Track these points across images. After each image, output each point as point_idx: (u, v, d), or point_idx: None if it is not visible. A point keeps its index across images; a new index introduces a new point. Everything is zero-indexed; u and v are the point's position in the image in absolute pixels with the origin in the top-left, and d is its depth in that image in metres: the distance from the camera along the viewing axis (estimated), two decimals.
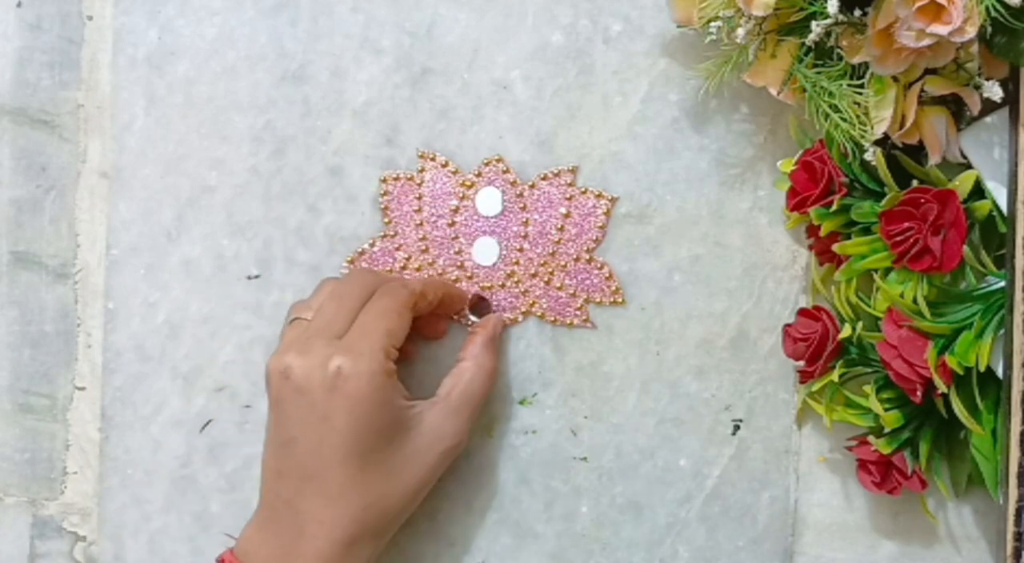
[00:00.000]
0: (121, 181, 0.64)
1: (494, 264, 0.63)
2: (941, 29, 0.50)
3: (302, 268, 0.64)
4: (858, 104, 0.54)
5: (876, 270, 0.57)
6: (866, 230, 0.57)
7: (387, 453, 0.56)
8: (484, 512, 0.64)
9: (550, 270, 0.63)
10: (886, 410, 0.57)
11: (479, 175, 0.63)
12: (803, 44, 0.55)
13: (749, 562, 0.63)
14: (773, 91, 0.58)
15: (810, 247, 0.61)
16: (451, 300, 0.62)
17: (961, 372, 0.55)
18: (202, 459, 0.64)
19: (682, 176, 0.63)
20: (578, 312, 0.63)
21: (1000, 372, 0.56)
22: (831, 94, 0.54)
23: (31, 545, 0.65)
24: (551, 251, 0.63)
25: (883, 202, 0.56)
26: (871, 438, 0.58)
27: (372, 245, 0.64)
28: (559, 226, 0.63)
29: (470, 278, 0.63)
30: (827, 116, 0.55)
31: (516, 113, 0.63)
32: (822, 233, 0.58)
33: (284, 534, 0.55)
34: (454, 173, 0.63)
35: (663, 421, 0.63)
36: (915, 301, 0.56)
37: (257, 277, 0.64)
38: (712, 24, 0.57)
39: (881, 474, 0.59)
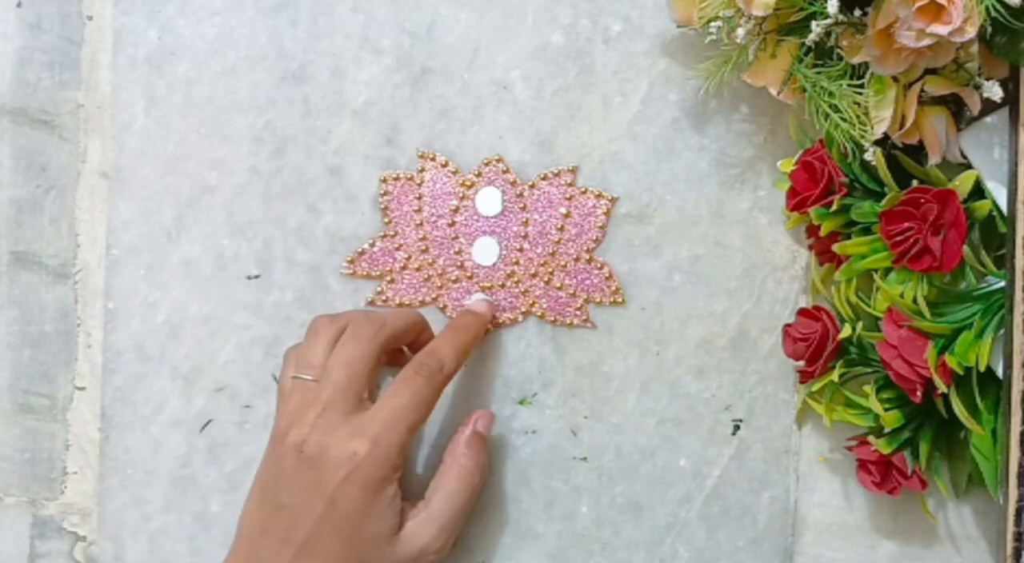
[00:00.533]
0: (121, 181, 0.64)
1: (494, 264, 0.63)
2: (941, 29, 0.50)
3: (302, 268, 0.64)
4: (858, 104, 0.54)
5: (876, 270, 0.57)
6: (866, 230, 0.57)
7: (376, 545, 0.56)
8: (484, 512, 0.64)
9: (550, 270, 0.63)
10: (886, 410, 0.57)
11: (479, 175, 0.63)
12: (803, 44, 0.55)
13: (749, 562, 0.63)
14: (773, 91, 0.57)
15: (810, 247, 0.61)
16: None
17: (961, 372, 0.55)
18: (202, 459, 0.64)
19: (682, 176, 0.63)
20: (578, 312, 0.63)
21: (1000, 372, 0.56)
22: (831, 94, 0.54)
23: (31, 545, 0.65)
24: (551, 251, 0.63)
25: (883, 202, 0.56)
26: (871, 438, 0.58)
27: (372, 245, 0.64)
28: (559, 226, 0.63)
29: (470, 278, 0.63)
30: (827, 116, 0.55)
31: (516, 113, 0.63)
32: (822, 233, 0.58)
33: None
34: (454, 173, 0.63)
35: (663, 421, 0.63)
36: (915, 301, 0.56)
37: (257, 277, 0.64)
38: (712, 24, 0.57)
39: (881, 474, 0.59)
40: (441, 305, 0.63)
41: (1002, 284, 0.56)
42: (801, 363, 0.60)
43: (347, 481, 0.55)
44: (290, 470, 0.56)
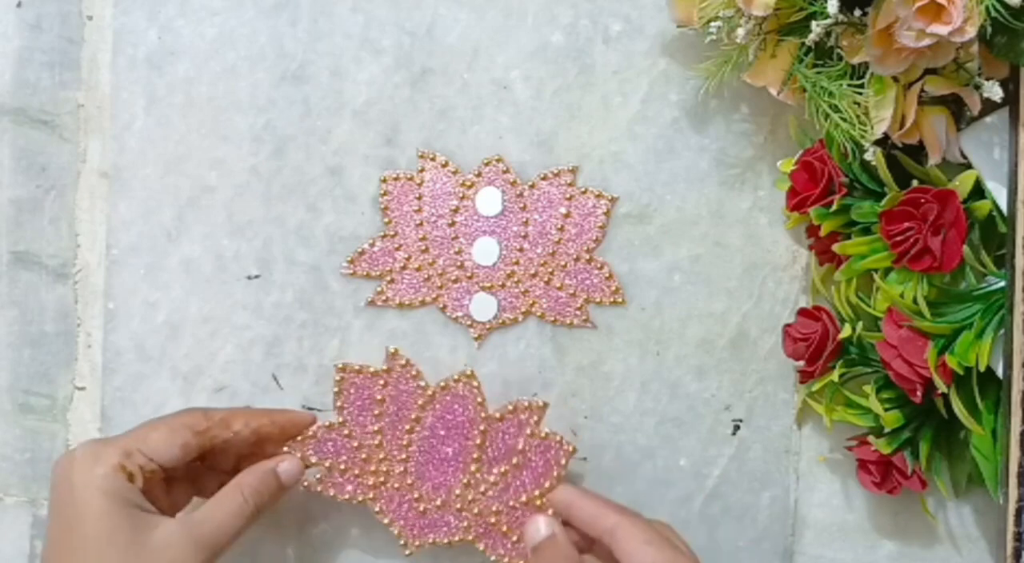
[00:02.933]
0: (121, 181, 0.64)
1: (494, 264, 0.63)
2: (941, 29, 0.50)
3: (302, 268, 0.64)
4: (858, 104, 0.54)
5: (876, 270, 0.57)
6: (866, 230, 0.57)
7: (115, 552, 0.52)
8: None
9: (550, 270, 0.63)
10: (886, 410, 0.57)
11: (479, 175, 0.63)
12: (803, 44, 0.55)
13: (749, 562, 0.63)
14: (773, 91, 0.58)
15: (810, 247, 0.61)
16: (283, 431, 0.60)
17: (961, 372, 0.55)
18: None
19: (682, 176, 0.63)
20: (578, 312, 0.63)
21: (1000, 372, 0.56)
22: (831, 94, 0.54)
23: (31, 545, 0.65)
24: (551, 251, 0.63)
25: (883, 202, 0.56)
26: (871, 438, 0.58)
27: (372, 245, 0.64)
28: (559, 226, 0.63)
29: (470, 278, 0.63)
30: (827, 116, 0.55)
31: (516, 113, 0.63)
32: (822, 233, 0.58)
33: None
34: (454, 173, 0.63)
35: (663, 421, 0.63)
36: (915, 301, 0.56)
37: (257, 277, 0.64)
38: (712, 24, 0.57)
39: (881, 474, 0.59)
40: (441, 305, 0.63)
41: (1002, 284, 0.56)
42: (801, 363, 0.60)
43: (65, 487, 0.53)
44: (51, 506, 0.55)
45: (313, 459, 0.60)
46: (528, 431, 0.61)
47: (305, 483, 0.60)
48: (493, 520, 0.61)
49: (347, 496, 0.61)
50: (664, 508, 0.63)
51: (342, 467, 0.61)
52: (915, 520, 0.62)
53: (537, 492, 0.60)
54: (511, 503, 0.61)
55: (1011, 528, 0.56)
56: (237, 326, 0.64)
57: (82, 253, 0.65)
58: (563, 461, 0.60)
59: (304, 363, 0.64)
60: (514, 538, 0.61)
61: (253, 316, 0.64)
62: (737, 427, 0.63)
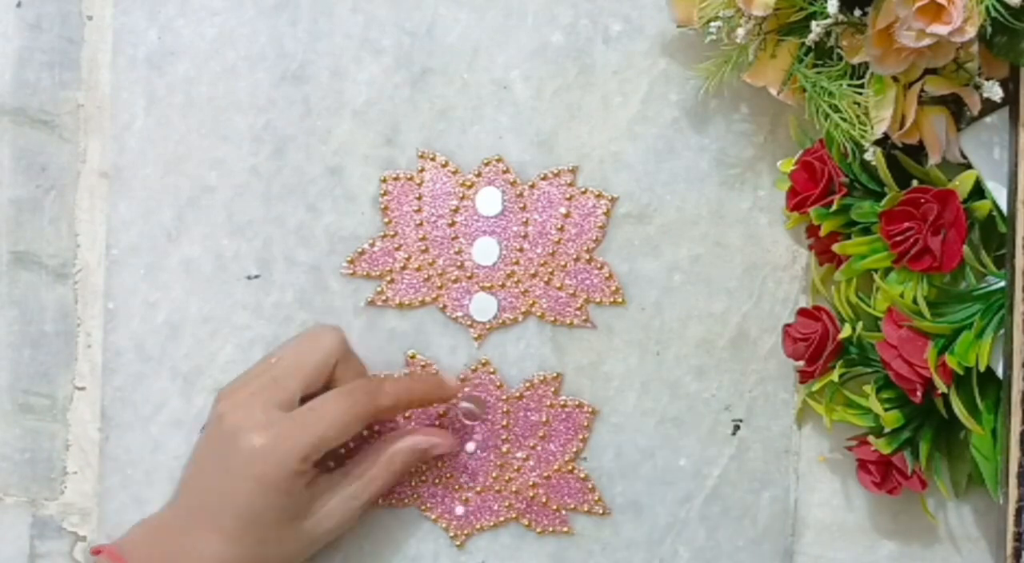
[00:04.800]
0: (121, 181, 0.64)
1: (494, 264, 0.63)
2: (941, 29, 0.50)
3: (302, 268, 0.64)
4: (858, 104, 0.54)
5: (876, 270, 0.57)
6: (866, 230, 0.57)
7: (277, 526, 0.57)
8: None
9: (550, 270, 0.63)
10: (886, 410, 0.57)
11: (479, 175, 0.63)
12: (803, 44, 0.55)
13: (749, 562, 0.63)
14: (773, 91, 0.58)
15: (810, 247, 0.61)
16: (435, 401, 0.62)
17: (961, 372, 0.55)
18: None
19: (682, 176, 0.63)
20: (578, 312, 0.63)
21: (1000, 372, 0.56)
22: (831, 94, 0.54)
23: (31, 545, 0.65)
24: (551, 251, 0.63)
25: (883, 202, 0.56)
26: (871, 438, 0.58)
27: (372, 245, 0.64)
28: (559, 226, 0.63)
29: (470, 278, 0.63)
30: (827, 116, 0.55)
31: (516, 113, 0.63)
32: (822, 233, 0.58)
33: (168, 545, 0.57)
34: (454, 173, 0.63)
35: (663, 421, 0.63)
36: (915, 301, 0.56)
37: (257, 277, 0.64)
38: (712, 24, 0.57)
39: (881, 474, 0.59)
40: (441, 305, 0.63)
41: (1002, 284, 0.56)
42: (801, 363, 0.60)
43: (244, 470, 0.56)
44: (210, 437, 0.58)
45: None
46: (548, 403, 0.62)
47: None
48: (532, 495, 0.62)
49: (394, 501, 0.63)
50: (664, 508, 0.63)
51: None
52: (915, 520, 0.62)
53: (567, 458, 0.62)
54: (545, 474, 0.62)
55: (1011, 528, 0.56)
56: (237, 326, 0.64)
57: (82, 253, 0.65)
58: (586, 423, 0.62)
59: None
60: (554, 507, 0.62)
61: (253, 316, 0.64)
62: (737, 427, 0.63)
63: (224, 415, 0.57)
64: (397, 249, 0.64)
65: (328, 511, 0.58)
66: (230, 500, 0.56)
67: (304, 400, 0.58)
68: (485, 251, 0.63)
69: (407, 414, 0.63)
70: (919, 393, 0.56)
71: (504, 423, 0.63)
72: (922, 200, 0.55)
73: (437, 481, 0.63)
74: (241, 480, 0.56)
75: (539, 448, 0.63)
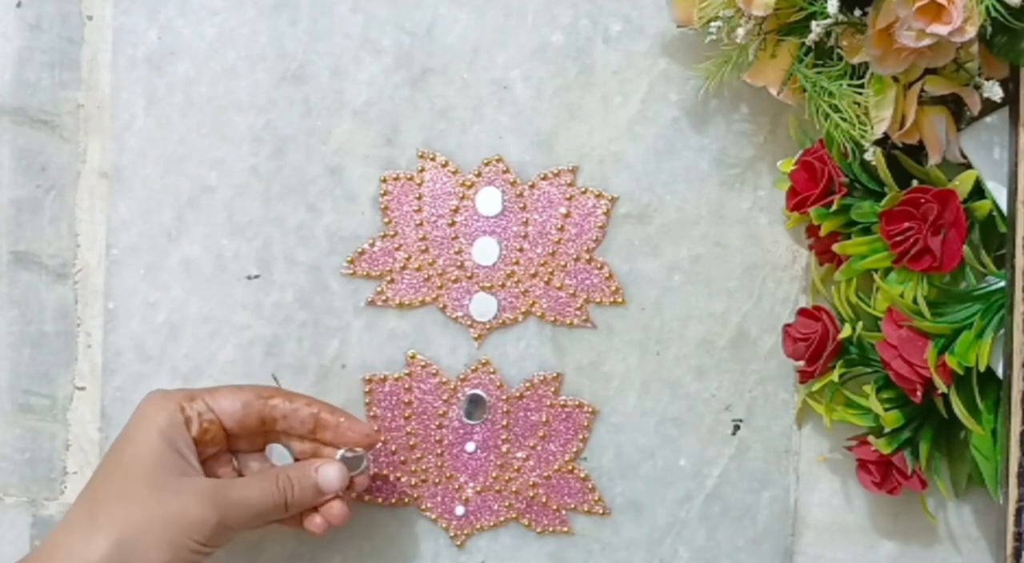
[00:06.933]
0: (121, 181, 0.64)
1: (494, 264, 0.63)
2: (941, 29, 0.50)
3: (302, 268, 0.64)
4: (858, 104, 0.54)
5: (876, 270, 0.57)
6: (866, 230, 0.57)
7: (142, 479, 0.54)
8: None
9: (550, 270, 0.63)
10: (886, 410, 0.57)
11: (479, 175, 0.63)
12: (803, 44, 0.55)
13: (749, 562, 0.63)
14: (773, 91, 0.58)
15: (810, 247, 0.61)
16: (340, 428, 0.59)
17: (961, 372, 0.55)
18: None
19: (682, 176, 0.63)
20: (578, 312, 0.63)
21: (1000, 372, 0.56)
22: (831, 94, 0.54)
23: (31, 545, 0.65)
24: (551, 251, 0.63)
25: (883, 202, 0.56)
26: (871, 438, 0.58)
27: (372, 245, 0.64)
28: (559, 226, 0.63)
29: (470, 278, 0.63)
30: (827, 116, 0.55)
31: (516, 113, 0.63)
32: (822, 233, 0.58)
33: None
34: (454, 173, 0.63)
35: (663, 421, 0.63)
36: (915, 301, 0.56)
37: (257, 277, 0.64)
38: (712, 24, 0.57)
39: (881, 474, 0.59)
40: (441, 305, 0.63)
41: (1002, 284, 0.56)
42: (801, 363, 0.60)
43: (134, 416, 0.56)
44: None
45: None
46: (548, 402, 0.62)
47: (354, 493, 0.60)
48: (532, 495, 0.63)
49: (394, 501, 0.63)
50: (664, 508, 0.63)
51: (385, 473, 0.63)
52: (915, 520, 0.62)
53: (567, 458, 0.62)
54: (545, 474, 0.62)
55: (1011, 528, 0.56)
56: (237, 326, 0.64)
57: (82, 253, 0.65)
58: (586, 423, 0.62)
59: (304, 363, 0.64)
60: (554, 507, 0.63)
61: (253, 316, 0.64)
62: (737, 427, 0.63)
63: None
64: (397, 249, 0.64)
65: (196, 493, 0.54)
66: (114, 451, 0.56)
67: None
68: (485, 251, 0.63)
69: (407, 414, 0.63)
70: (919, 393, 0.56)
71: (504, 423, 0.63)
72: (922, 200, 0.55)
73: (437, 481, 0.63)
74: (130, 425, 0.56)
75: (539, 448, 0.63)
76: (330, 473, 0.57)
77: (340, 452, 0.58)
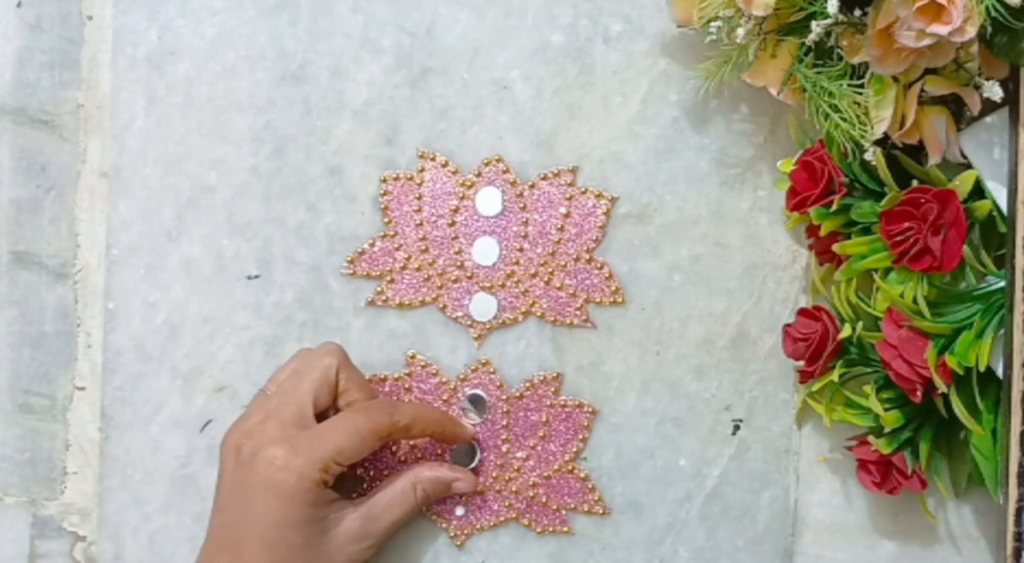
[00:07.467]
0: (121, 181, 0.64)
1: (494, 264, 0.63)
2: (941, 29, 0.50)
3: (302, 268, 0.64)
4: (858, 104, 0.54)
5: (876, 270, 0.57)
6: (866, 230, 0.57)
7: (301, 548, 0.56)
8: None
9: (550, 270, 0.63)
10: (886, 410, 0.57)
11: (479, 175, 0.63)
12: (803, 44, 0.55)
13: (749, 562, 0.63)
14: (773, 91, 0.58)
15: (810, 247, 0.61)
16: (443, 437, 0.62)
17: (961, 372, 0.55)
18: (202, 459, 0.64)
19: (682, 176, 0.63)
20: (578, 312, 0.63)
21: (1000, 372, 0.56)
22: (831, 94, 0.54)
23: (31, 545, 0.65)
24: (551, 251, 0.63)
25: (883, 202, 0.56)
26: (871, 438, 0.58)
27: (372, 245, 0.64)
28: (559, 226, 0.63)
29: (470, 278, 0.63)
30: (827, 116, 0.55)
31: (516, 113, 0.63)
32: (822, 233, 0.58)
33: None
34: (454, 173, 0.63)
35: (663, 421, 0.63)
36: (915, 301, 0.56)
37: (257, 277, 0.64)
38: (712, 24, 0.57)
39: (881, 474, 0.59)
40: (441, 305, 0.63)
41: (1002, 284, 0.56)
42: (801, 363, 0.60)
43: (265, 486, 0.55)
44: (227, 474, 0.57)
45: None
46: (548, 402, 0.62)
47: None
48: (532, 494, 0.63)
49: None
50: (664, 508, 0.63)
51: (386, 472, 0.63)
52: (915, 520, 0.62)
53: (567, 458, 0.62)
54: (545, 474, 0.62)
55: (1011, 528, 0.56)
56: (237, 326, 0.64)
57: (82, 253, 0.65)
58: (586, 423, 0.62)
59: None
60: (554, 507, 0.63)
61: (253, 316, 0.64)
62: (737, 427, 0.63)
63: (240, 446, 0.57)
64: (397, 249, 0.64)
65: (350, 535, 0.58)
66: (254, 522, 0.55)
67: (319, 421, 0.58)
68: (485, 251, 0.63)
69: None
70: (919, 393, 0.56)
71: (504, 423, 0.63)
72: (922, 200, 0.55)
73: None
74: (262, 495, 0.55)
75: (539, 448, 0.63)
76: (464, 488, 0.62)
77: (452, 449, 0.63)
